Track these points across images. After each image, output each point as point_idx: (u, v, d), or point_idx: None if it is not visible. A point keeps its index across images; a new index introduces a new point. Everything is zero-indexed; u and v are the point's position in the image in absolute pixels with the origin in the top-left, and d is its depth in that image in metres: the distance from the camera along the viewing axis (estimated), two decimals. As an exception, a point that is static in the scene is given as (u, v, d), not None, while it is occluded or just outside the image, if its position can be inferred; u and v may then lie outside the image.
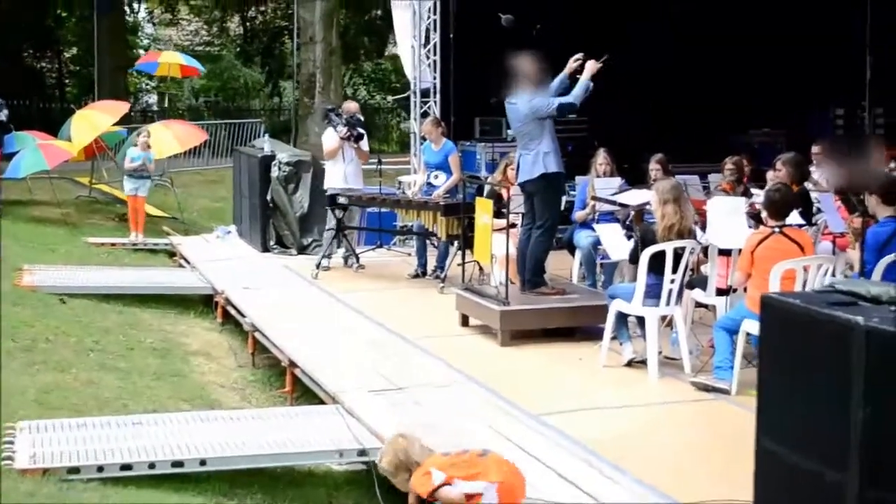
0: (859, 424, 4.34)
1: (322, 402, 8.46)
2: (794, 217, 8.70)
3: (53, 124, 21.79)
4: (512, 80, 10.14)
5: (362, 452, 7.19)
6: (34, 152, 17.44)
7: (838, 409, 4.45)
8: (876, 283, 5.11)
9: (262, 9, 39.96)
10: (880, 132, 16.67)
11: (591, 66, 9.92)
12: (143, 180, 16.58)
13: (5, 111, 18.74)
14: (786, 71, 17.51)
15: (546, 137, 9.97)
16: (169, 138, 18.48)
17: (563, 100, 9.93)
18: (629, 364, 8.84)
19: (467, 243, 11.28)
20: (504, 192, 11.15)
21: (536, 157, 9.96)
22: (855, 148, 10.56)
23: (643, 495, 6.26)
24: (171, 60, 24.57)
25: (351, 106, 14.01)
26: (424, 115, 15.66)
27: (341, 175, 13.33)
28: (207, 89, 37.16)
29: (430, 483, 5.87)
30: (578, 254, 11.48)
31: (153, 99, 38.53)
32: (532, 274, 10.12)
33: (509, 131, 13.38)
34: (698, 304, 9.55)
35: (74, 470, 6.76)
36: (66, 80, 37.11)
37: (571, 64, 10.11)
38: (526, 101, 9.99)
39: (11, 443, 7.03)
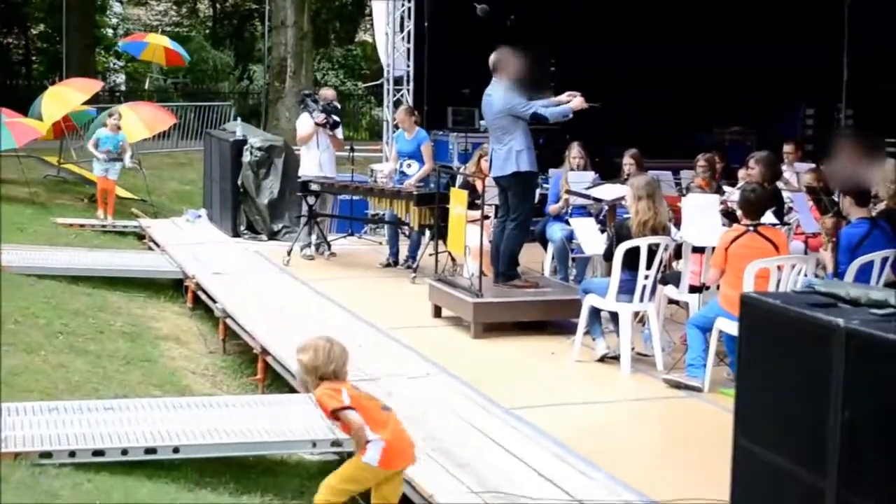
0: (838, 427, 4.37)
1: (294, 391, 8.44)
2: (769, 216, 8.76)
3: (19, 101, 21.58)
4: (490, 72, 10.13)
5: (336, 443, 7.17)
6: (3, 130, 17.26)
7: (817, 411, 4.48)
8: (855, 285, 5.15)
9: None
10: (846, 132, 16.80)
11: (579, 102, 9.96)
12: (113, 162, 16.49)
13: None
14: (759, 69, 17.59)
15: (519, 134, 9.94)
16: (136, 123, 18.30)
17: (540, 111, 9.91)
18: (602, 359, 8.88)
19: (440, 233, 11.27)
20: (478, 184, 11.17)
21: (509, 153, 9.94)
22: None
23: (616, 491, 6.28)
24: (158, 42, 24.35)
25: (328, 93, 13.97)
26: (397, 103, 15.65)
27: (316, 162, 13.31)
28: (176, 71, 36.91)
29: (340, 401, 5.63)
30: (551, 247, 11.50)
31: (121, 79, 38.24)
32: (505, 267, 10.13)
33: (482, 122, 13.40)
34: (670, 301, 9.60)
35: (46, 454, 6.72)
36: (33, 58, 36.78)
37: (564, 97, 10.09)
38: (501, 96, 9.96)
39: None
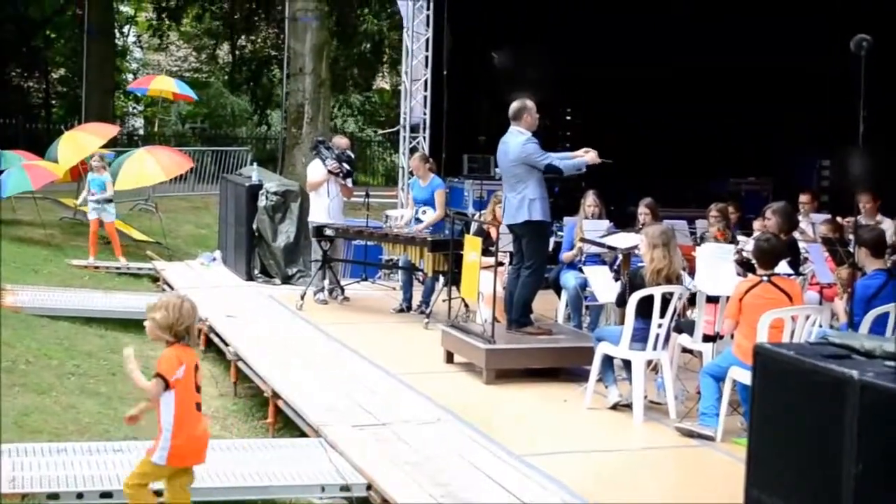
0: (851, 481, 4.31)
1: (304, 435, 8.40)
2: (783, 266, 8.72)
3: (38, 144, 21.74)
4: (507, 121, 10.15)
5: (345, 488, 7.12)
6: (19, 172, 17.37)
7: (830, 463, 4.43)
8: (869, 337, 5.11)
9: (253, 37, 40.05)
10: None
11: (592, 157, 10.01)
12: (104, 203, 16.49)
13: None
14: (775, 120, 17.64)
15: (533, 183, 9.94)
16: (153, 166, 18.32)
17: (555, 162, 9.95)
18: (614, 407, 8.82)
19: (454, 280, 11.26)
20: (492, 231, 11.17)
21: (522, 202, 9.94)
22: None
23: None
24: (162, 87, 24.51)
25: (342, 142, 13.99)
26: (413, 150, 15.70)
27: (325, 209, 13.36)
28: (194, 115, 37.16)
29: (170, 373, 5.91)
30: (565, 294, 11.48)
31: (139, 123, 38.52)
32: (519, 314, 10.11)
33: (497, 170, 13.44)
34: (684, 350, 9.54)
35: (54, 496, 6.70)
36: (53, 101, 37.06)
37: (580, 152, 10.14)
38: (519, 144, 9.98)
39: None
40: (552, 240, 11.54)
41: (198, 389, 6.11)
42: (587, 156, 10.01)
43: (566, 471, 7.31)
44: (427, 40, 15.86)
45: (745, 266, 9.37)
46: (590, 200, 11.63)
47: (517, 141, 10.01)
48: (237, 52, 40.58)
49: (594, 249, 11.15)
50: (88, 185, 16.64)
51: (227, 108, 36.80)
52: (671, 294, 8.66)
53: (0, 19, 30.81)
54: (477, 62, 14.36)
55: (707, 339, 8.94)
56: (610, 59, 17.01)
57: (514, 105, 10.16)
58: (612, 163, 9.99)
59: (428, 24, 15.86)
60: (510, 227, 10.22)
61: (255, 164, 18.00)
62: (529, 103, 10.14)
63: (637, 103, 17.33)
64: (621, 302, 9.01)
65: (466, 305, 11.41)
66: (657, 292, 8.59)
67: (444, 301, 11.45)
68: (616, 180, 15.36)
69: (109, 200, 16.68)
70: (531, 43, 16.15)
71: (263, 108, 37.80)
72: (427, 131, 16.00)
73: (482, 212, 12.75)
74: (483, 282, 10.29)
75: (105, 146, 19.48)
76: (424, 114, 16.03)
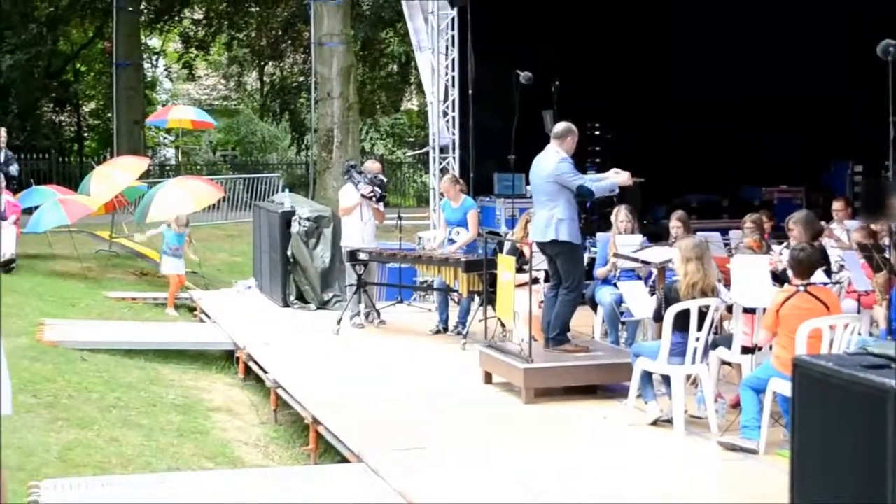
0: (895, 490, 4.30)
1: (346, 460, 8.43)
2: (819, 275, 8.68)
3: (71, 178, 21.92)
4: (539, 138, 10.21)
5: (388, 512, 7.15)
6: (55, 207, 17.50)
7: (873, 474, 4.42)
8: (908, 346, 5.09)
9: (280, 64, 40.27)
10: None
11: (625, 178, 10.11)
12: (180, 258, 16.46)
13: (15, 165, 18.86)
14: (805, 127, 17.56)
15: (563, 203, 9.96)
16: (184, 197, 18.39)
17: (587, 184, 10.03)
18: (655, 423, 8.79)
19: (489, 299, 11.26)
20: (525, 249, 11.18)
21: (550, 220, 9.97)
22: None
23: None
24: (181, 116, 24.69)
25: (374, 166, 14.03)
26: (443, 170, 15.73)
27: (359, 235, 13.41)
28: (225, 143, 37.39)
29: None
30: (601, 310, 11.46)
31: (171, 153, 38.78)
32: (556, 332, 10.11)
33: (528, 187, 13.45)
34: (723, 362, 9.51)
35: (100, 529, 6.76)
36: (85, 134, 37.37)
37: (609, 173, 10.24)
38: (553, 162, 10.02)
39: (36, 502, 7.01)
40: (586, 255, 11.53)
41: None
42: (619, 177, 10.06)
43: (609, 488, 7.31)
44: (453, 60, 15.90)
45: (776, 278, 9.32)
46: (622, 216, 11.59)
47: (553, 159, 10.05)
48: (266, 80, 40.79)
49: (628, 265, 11.14)
50: (166, 240, 16.40)
51: (258, 135, 36.99)
52: (707, 307, 8.64)
53: (30, 55, 31.09)
54: (503, 81, 14.35)
55: (745, 350, 8.90)
56: (637, 74, 17.01)
57: (562, 125, 10.21)
58: (644, 180, 10.04)
59: (453, 45, 15.91)
60: (539, 245, 10.24)
61: (286, 189, 18.07)
62: (575, 128, 10.20)
63: (665, 116, 17.30)
64: (658, 317, 9.00)
65: (503, 325, 11.41)
66: (693, 306, 8.58)
67: (480, 321, 11.47)
68: (647, 194, 15.41)
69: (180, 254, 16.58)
70: (557, 59, 16.15)
71: (301, 134, 37.94)
72: (456, 152, 16.03)
73: (513, 230, 12.75)
74: (518, 301, 10.30)
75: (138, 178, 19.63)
76: (453, 134, 16.07)
